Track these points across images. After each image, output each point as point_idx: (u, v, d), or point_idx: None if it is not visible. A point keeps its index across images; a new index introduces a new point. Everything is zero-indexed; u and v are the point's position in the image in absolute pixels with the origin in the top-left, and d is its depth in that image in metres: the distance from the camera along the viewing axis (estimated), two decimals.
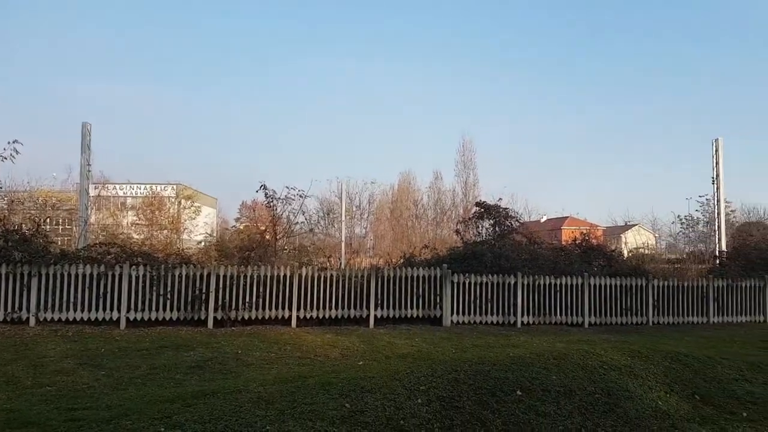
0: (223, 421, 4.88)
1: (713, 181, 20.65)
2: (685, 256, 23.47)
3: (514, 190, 53.08)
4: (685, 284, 14.39)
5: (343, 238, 25.38)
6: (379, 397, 5.54)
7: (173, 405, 5.40)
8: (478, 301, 13.15)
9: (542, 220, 55.21)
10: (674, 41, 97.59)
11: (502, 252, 13.91)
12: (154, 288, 11.48)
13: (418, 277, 12.91)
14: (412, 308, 12.80)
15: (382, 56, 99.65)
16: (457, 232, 17.78)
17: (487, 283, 13.19)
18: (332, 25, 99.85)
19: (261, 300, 11.89)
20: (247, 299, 11.80)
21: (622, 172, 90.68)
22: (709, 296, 14.39)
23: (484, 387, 5.98)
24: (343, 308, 12.40)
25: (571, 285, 13.63)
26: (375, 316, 12.47)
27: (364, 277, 12.65)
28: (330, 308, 12.32)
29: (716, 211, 20.66)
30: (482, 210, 16.98)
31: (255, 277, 11.88)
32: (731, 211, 26.59)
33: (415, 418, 5.30)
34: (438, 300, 12.92)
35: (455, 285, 13.01)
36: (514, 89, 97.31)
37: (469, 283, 13.10)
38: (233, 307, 11.69)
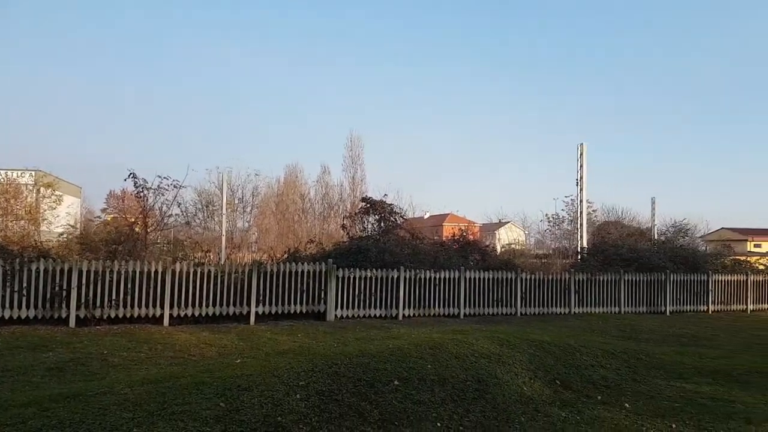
0: (85, 425, 4.53)
1: (577, 182, 22.50)
2: (551, 251, 25.26)
3: (399, 187, 54.16)
4: (550, 277, 15.55)
5: (224, 232, 24.39)
6: (257, 395, 5.40)
7: (28, 410, 4.92)
8: (362, 295, 13.31)
9: (425, 217, 56.89)
10: (551, 46, 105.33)
11: (386, 247, 14.22)
12: (8, 284, 10.47)
13: (302, 272, 12.79)
14: (295, 304, 12.67)
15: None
16: (344, 227, 17.88)
17: (371, 278, 13.39)
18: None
19: (130, 297, 11.18)
20: (114, 296, 11.05)
21: (500, 173, 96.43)
22: (571, 289, 15.64)
23: (363, 379, 6.05)
24: (221, 305, 11.98)
25: (450, 278, 14.23)
26: (256, 312, 12.19)
27: (245, 273, 12.30)
28: (207, 305, 11.85)
29: (579, 210, 22.54)
30: (368, 205, 17.25)
31: (123, 272, 11.14)
32: (593, 210, 29.07)
33: (293, 413, 5.24)
34: (323, 295, 12.90)
35: (340, 280, 13.06)
36: (398, 88, 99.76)
37: (354, 278, 13.22)
38: (98, 304, 10.92)
